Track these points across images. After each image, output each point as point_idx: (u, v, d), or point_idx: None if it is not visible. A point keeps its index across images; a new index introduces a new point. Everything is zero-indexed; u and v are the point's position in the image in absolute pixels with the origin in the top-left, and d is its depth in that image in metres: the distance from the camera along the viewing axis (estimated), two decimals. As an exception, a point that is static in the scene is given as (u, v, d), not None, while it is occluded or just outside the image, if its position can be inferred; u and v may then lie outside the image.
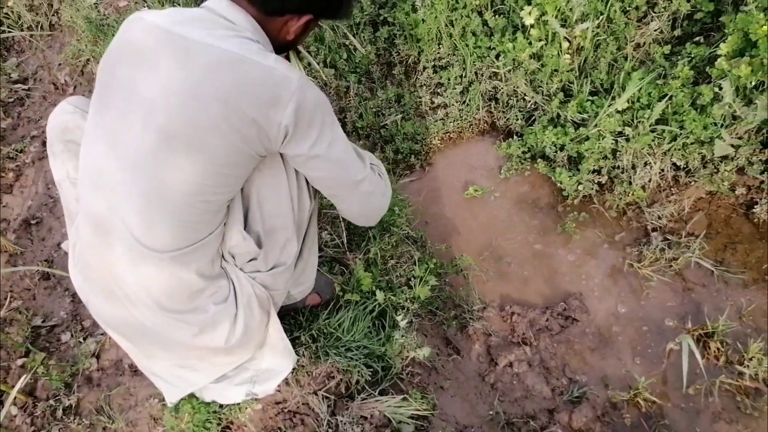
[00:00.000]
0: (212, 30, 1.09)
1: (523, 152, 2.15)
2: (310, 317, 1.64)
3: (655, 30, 2.09)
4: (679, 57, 2.01)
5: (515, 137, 2.22)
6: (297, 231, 1.32)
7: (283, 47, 1.26)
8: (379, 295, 1.66)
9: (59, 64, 2.64)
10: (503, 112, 2.27)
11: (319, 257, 1.67)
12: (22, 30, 2.75)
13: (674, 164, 1.91)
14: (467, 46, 2.36)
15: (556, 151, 2.06)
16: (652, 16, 2.13)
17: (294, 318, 1.64)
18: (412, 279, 1.78)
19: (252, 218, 1.25)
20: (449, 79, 2.36)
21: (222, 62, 1.04)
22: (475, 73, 2.35)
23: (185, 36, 1.06)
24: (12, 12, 2.76)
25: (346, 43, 2.52)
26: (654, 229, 1.89)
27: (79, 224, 1.21)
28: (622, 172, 1.96)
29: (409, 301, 1.71)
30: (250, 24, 1.15)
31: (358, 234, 1.87)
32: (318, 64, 2.42)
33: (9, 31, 2.71)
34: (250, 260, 1.27)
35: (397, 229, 1.87)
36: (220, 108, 1.04)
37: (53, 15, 2.83)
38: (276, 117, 1.07)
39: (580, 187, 1.99)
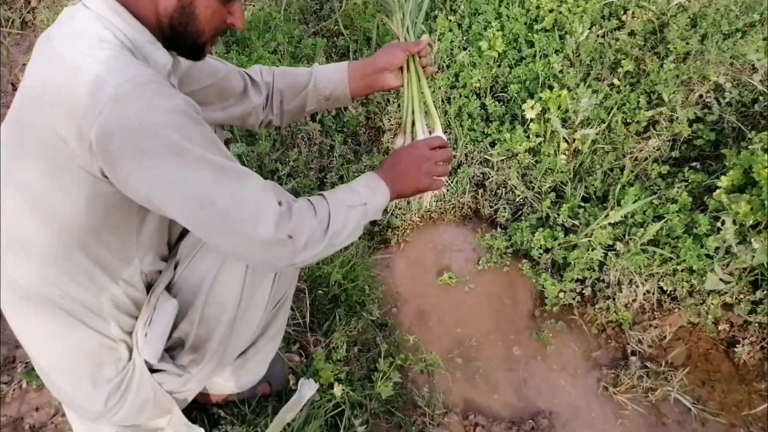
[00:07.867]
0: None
1: (506, 247, 2.04)
2: (257, 408, 1.43)
3: (654, 148, 2.07)
4: (675, 179, 1.97)
5: (499, 229, 2.12)
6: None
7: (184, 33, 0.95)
8: (337, 390, 1.47)
9: (23, 65, 2.42)
10: (489, 200, 2.18)
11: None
12: (-10, 22, 2.53)
13: (661, 288, 1.83)
14: (461, 126, 2.29)
15: (541, 254, 1.96)
16: (653, 133, 2.11)
17: (238, 408, 1.43)
18: (375, 372, 1.60)
19: None
20: (439, 157, 2.26)
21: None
22: (465, 155, 2.27)
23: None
24: (-18, 1, 2.54)
25: (338, 100, 2.40)
26: (633, 353, 1.79)
27: None
28: (607, 287, 1.87)
29: (368, 398, 1.53)
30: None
31: (322, 312, 1.69)
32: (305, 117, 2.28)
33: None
34: None
35: (366, 314, 1.70)
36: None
37: (28, 12, 2.62)
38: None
39: (561, 295, 1.88)
